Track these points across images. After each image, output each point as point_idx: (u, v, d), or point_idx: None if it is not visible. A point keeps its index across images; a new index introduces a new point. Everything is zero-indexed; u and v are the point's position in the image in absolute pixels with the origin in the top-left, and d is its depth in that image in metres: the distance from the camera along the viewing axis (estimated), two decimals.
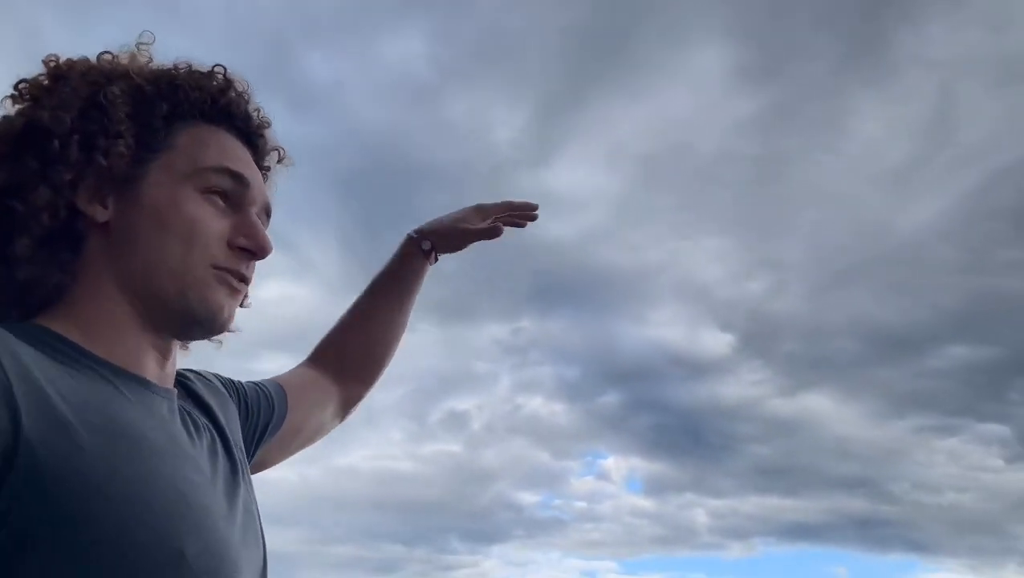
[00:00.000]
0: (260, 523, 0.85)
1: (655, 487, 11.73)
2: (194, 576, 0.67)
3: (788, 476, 11.21)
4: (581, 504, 11.81)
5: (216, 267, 0.78)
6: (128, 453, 0.68)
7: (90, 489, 0.64)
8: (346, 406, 1.19)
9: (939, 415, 10.42)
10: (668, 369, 10.65)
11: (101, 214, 0.77)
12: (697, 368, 10.51)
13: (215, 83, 0.84)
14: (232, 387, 0.98)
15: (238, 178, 0.81)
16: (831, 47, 8.25)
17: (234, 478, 0.82)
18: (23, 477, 0.61)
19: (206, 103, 0.83)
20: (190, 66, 0.84)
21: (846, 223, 9.62)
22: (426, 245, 1.23)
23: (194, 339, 0.83)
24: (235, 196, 0.80)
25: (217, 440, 0.84)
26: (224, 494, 0.78)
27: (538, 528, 11.67)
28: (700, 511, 11.42)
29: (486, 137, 8.93)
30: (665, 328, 10.50)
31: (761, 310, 10.03)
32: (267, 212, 0.85)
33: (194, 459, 0.76)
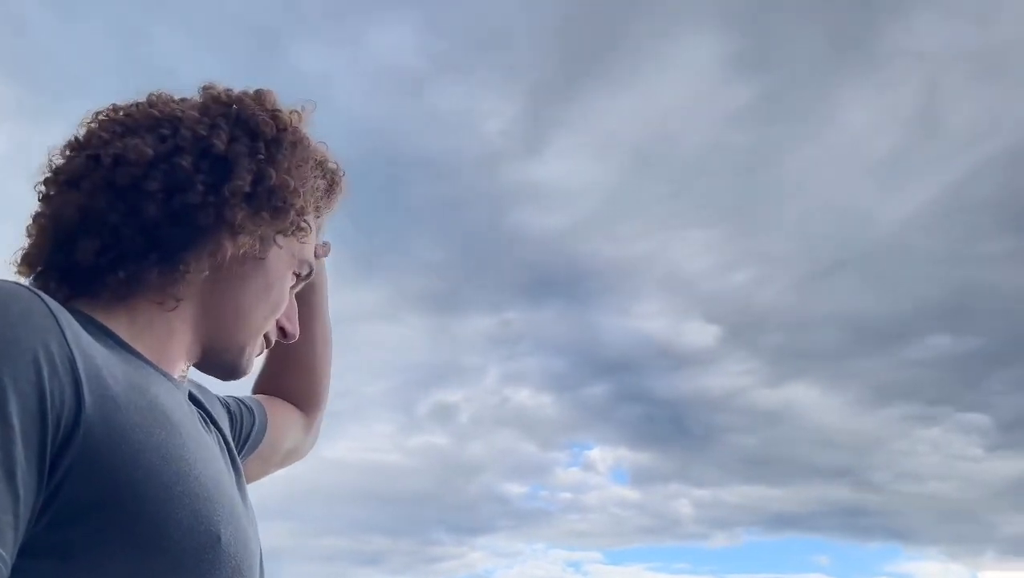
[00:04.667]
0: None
1: (640, 477, 11.78)
2: (228, 561, 0.71)
3: (772, 466, 11.29)
4: (567, 495, 11.85)
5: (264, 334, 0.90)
6: (170, 437, 0.71)
7: (140, 468, 0.66)
8: (307, 427, 1.22)
9: (921, 405, 10.52)
10: (654, 360, 10.70)
11: (240, 254, 0.82)
12: (683, 359, 10.55)
13: (342, 188, 0.94)
14: (219, 397, 1.02)
15: (311, 271, 0.92)
16: (820, 37, 8.28)
17: (239, 478, 0.86)
18: (80, 451, 0.63)
19: (331, 208, 0.94)
20: (329, 159, 0.92)
21: (832, 214, 9.67)
22: None
23: (212, 375, 0.91)
24: (300, 282, 0.92)
25: (220, 441, 0.88)
26: (237, 489, 0.83)
27: (524, 519, 11.71)
28: (685, 501, 11.48)
29: (476, 127, 8.92)
30: (651, 319, 10.53)
31: (747, 301, 10.08)
32: None
33: (216, 452, 0.81)
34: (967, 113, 8.41)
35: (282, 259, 0.87)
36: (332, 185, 0.92)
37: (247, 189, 0.80)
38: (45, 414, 0.62)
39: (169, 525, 0.67)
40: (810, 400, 10.74)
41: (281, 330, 0.92)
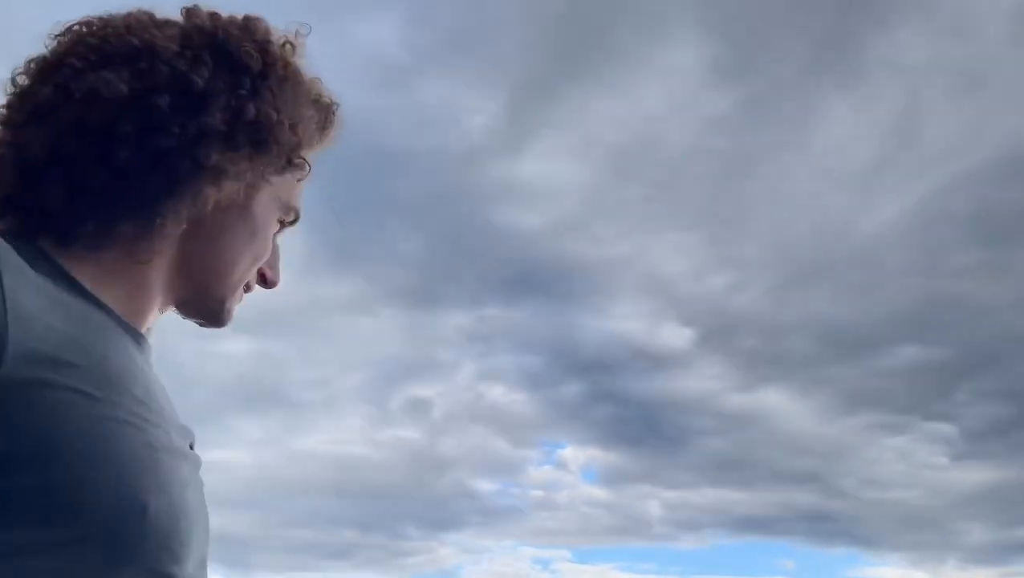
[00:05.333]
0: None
1: (611, 477, 11.82)
2: (153, 534, 0.64)
3: (741, 469, 11.37)
4: (538, 493, 11.86)
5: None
6: (107, 398, 0.65)
7: (60, 427, 0.61)
8: None
9: (889, 413, 10.64)
10: (629, 361, 10.73)
11: (223, 202, 0.76)
12: (657, 361, 10.60)
13: (336, 122, 0.86)
14: None
15: (297, 217, 0.86)
16: (802, 46, 8.35)
17: (190, 444, 0.80)
18: None
19: (324, 144, 0.85)
20: (324, 91, 0.84)
21: (808, 222, 9.76)
22: None
23: (194, 321, 0.86)
24: (284, 228, 0.86)
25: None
26: (190, 461, 0.76)
27: (494, 516, 11.71)
28: (654, 502, 11.54)
29: (459, 123, 8.90)
30: (627, 321, 10.57)
31: (722, 306, 10.14)
32: None
33: (167, 416, 0.73)
34: (945, 127, 8.52)
35: (268, 205, 0.81)
36: (325, 120, 0.85)
37: (221, 127, 0.73)
38: None
39: (84, 491, 0.61)
40: (781, 405, 10.84)
41: (262, 277, 0.86)
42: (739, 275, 10.06)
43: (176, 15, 0.78)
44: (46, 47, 0.75)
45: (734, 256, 10.01)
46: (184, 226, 0.75)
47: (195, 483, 0.75)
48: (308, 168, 0.83)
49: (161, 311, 0.81)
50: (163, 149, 0.71)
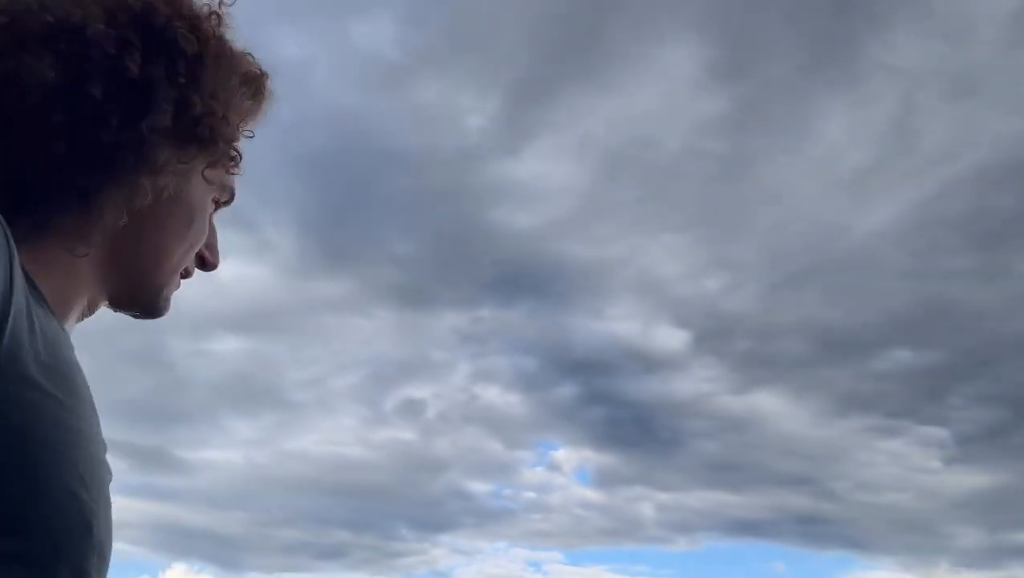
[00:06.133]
0: None
1: (604, 479, 11.84)
2: (95, 550, 0.60)
3: (735, 472, 11.40)
4: (531, 494, 11.89)
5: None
6: (67, 403, 0.61)
7: (21, 433, 0.56)
8: None
9: (882, 416, 10.68)
10: (623, 363, 10.75)
11: (159, 189, 0.71)
12: (651, 363, 10.62)
13: (268, 96, 0.80)
14: None
15: (232, 197, 0.82)
16: (799, 49, 8.36)
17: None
18: None
19: (258, 111, 0.80)
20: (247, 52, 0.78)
21: (803, 225, 9.77)
22: None
23: (128, 315, 0.82)
24: (219, 208, 0.82)
25: None
26: (110, 475, 0.72)
27: (487, 517, 11.72)
28: (647, 504, 11.57)
29: (455, 123, 8.89)
30: (622, 322, 10.58)
31: (716, 308, 10.16)
32: None
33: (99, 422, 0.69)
34: (941, 130, 8.55)
35: (204, 190, 0.77)
36: (257, 97, 0.79)
37: (168, 123, 0.68)
38: None
39: (39, 504, 0.56)
40: (774, 408, 10.86)
41: (201, 260, 0.82)
42: (734, 277, 10.08)
43: None
44: None
45: (729, 258, 10.03)
46: (124, 220, 0.71)
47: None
48: (240, 158, 0.78)
49: (86, 312, 0.76)
50: (102, 143, 0.66)
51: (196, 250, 0.79)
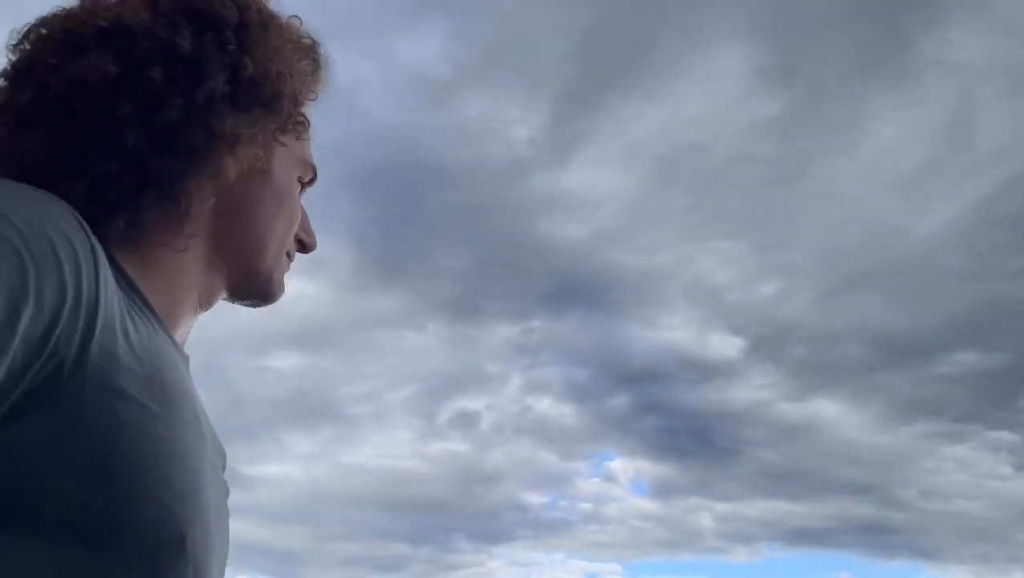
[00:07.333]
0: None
1: (661, 490, 11.69)
2: (188, 564, 0.60)
3: (795, 481, 11.16)
4: (587, 506, 11.78)
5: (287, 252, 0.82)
6: (163, 415, 0.60)
7: (114, 442, 0.57)
8: None
9: (947, 421, 10.35)
10: (677, 372, 10.62)
11: (244, 170, 0.72)
12: (706, 371, 10.47)
13: (324, 62, 0.80)
14: None
15: (315, 175, 0.83)
16: (850, 49, 8.22)
17: (223, 466, 0.75)
18: (56, 400, 0.54)
19: (319, 92, 0.81)
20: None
21: (859, 227, 9.57)
22: None
23: (247, 305, 0.84)
24: (305, 188, 0.83)
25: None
26: (218, 483, 0.72)
27: (544, 529, 11.66)
28: (706, 515, 11.38)
29: (502, 136, 8.93)
30: (675, 331, 10.47)
31: (772, 314, 9.99)
32: None
33: (207, 438, 0.68)
34: (1000, 127, 8.30)
35: (287, 166, 0.78)
36: (313, 60, 0.79)
37: (225, 89, 0.69)
38: (48, 338, 0.53)
39: (134, 516, 0.57)
40: (834, 415, 10.62)
41: (299, 243, 0.83)
42: (788, 282, 9.91)
43: None
44: (8, 59, 0.71)
45: (783, 263, 9.86)
46: (212, 200, 0.72)
47: (224, 511, 0.71)
48: (308, 123, 0.79)
49: (201, 307, 0.77)
50: (171, 124, 0.67)
51: (294, 232, 0.81)
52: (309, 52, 0.78)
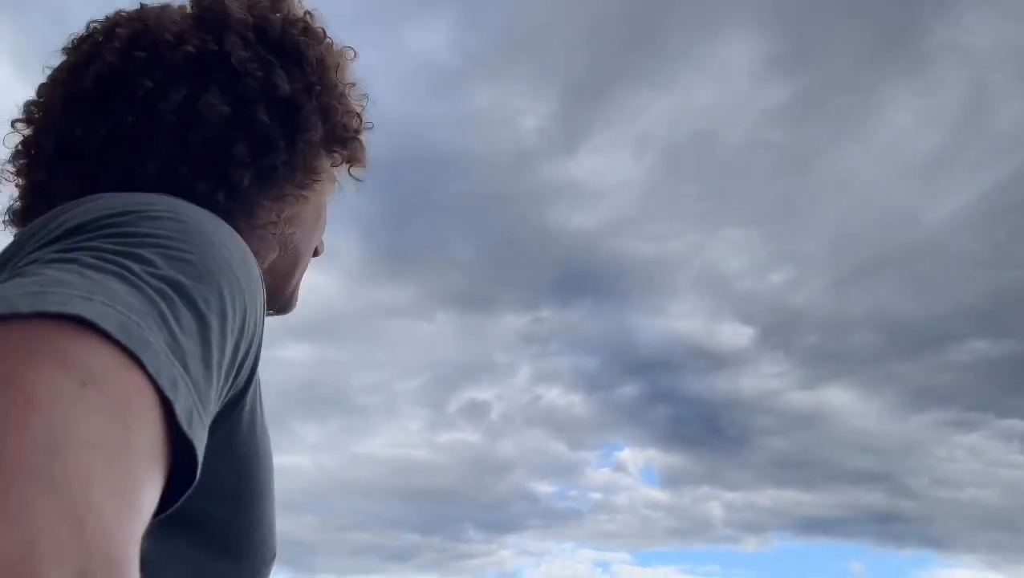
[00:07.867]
0: None
1: (671, 479, 11.73)
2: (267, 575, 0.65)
3: (805, 470, 11.16)
4: (597, 495, 11.84)
5: None
6: (267, 436, 0.62)
7: (252, 468, 0.59)
8: None
9: (960, 410, 10.33)
10: (687, 361, 10.63)
11: (317, 191, 0.73)
12: (716, 360, 10.48)
13: (361, 118, 0.78)
14: None
15: (335, 184, 0.81)
16: (862, 36, 8.16)
17: None
18: (224, 429, 0.55)
19: (362, 96, 0.78)
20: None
21: (870, 215, 9.53)
22: None
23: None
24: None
25: None
26: None
27: (553, 518, 11.71)
28: (716, 504, 11.41)
29: (512, 126, 8.92)
30: (685, 319, 10.47)
31: (782, 302, 9.97)
32: None
33: None
34: (1014, 113, 8.23)
35: (331, 186, 0.78)
36: (355, 81, 0.78)
37: (320, 135, 0.70)
38: (234, 368, 0.50)
39: (258, 531, 0.61)
40: (845, 403, 10.61)
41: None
42: (799, 270, 9.88)
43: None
44: (68, 58, 0.68)
45: (794, 251, 9.83)
46: (279, 225, 0.71)
47: None
48: (364, 148, 0.78)
49: None
50: (275, 165, 0.67)
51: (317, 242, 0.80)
52: (358, 84, 0.78)
